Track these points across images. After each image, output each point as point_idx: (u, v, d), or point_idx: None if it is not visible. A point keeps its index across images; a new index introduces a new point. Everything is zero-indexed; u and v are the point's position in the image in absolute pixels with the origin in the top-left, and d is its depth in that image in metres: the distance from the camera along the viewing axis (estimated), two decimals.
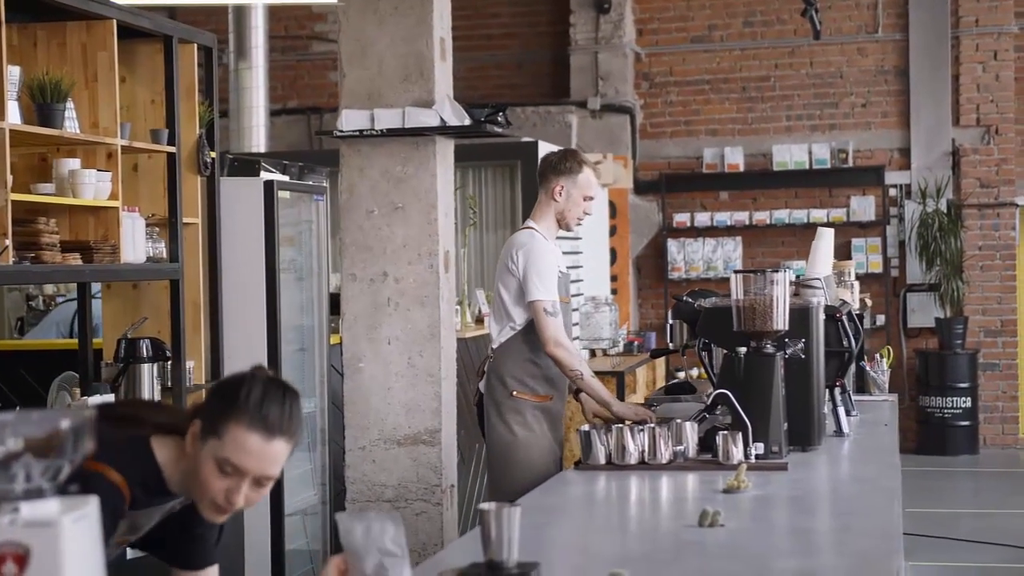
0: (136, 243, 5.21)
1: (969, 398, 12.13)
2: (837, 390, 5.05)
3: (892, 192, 12.61)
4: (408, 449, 5.59)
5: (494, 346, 5.23)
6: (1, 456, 1.73)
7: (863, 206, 12.52)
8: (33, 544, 1.70)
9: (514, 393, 5.14)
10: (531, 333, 5.11)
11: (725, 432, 4.20)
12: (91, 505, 1.78)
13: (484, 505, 2.73)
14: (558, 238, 5.36)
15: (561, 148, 5.57)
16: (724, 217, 12.73)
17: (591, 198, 5.26)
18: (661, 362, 11.13)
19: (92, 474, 2.50)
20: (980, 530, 8.95)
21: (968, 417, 12.15)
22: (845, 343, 4.98)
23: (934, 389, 12.16)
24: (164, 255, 5.49)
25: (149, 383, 5.33)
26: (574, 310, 9.75)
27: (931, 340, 12.48)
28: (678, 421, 4.33)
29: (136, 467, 2.62)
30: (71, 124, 4.87)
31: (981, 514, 9.79)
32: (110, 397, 5.10)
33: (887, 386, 6.41)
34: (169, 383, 5.51)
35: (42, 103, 4.74)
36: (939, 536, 8.73)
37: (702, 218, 12.77)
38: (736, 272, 4.42)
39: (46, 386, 5.76)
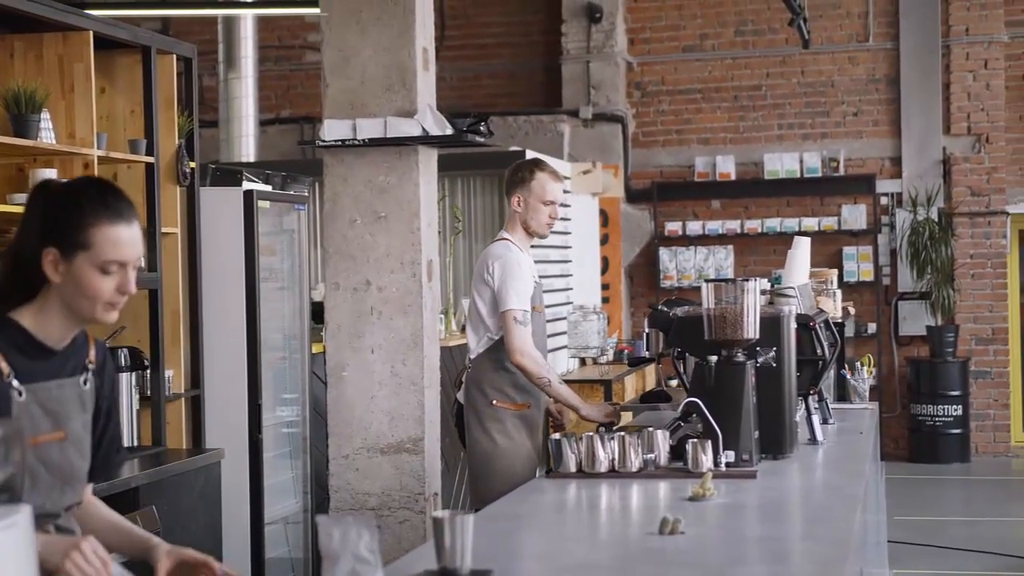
0: None
1: (960, 406, 12.14)
2: (812, 398, 5.06)
3: (883, 200, 12.63)
4: (391, 457, 5.60)
5: (472, 356, 5.32)
6: None
7: (854, 215, 12.53)
8: None
9: (494, 403, 5.23)
10: None
11: (695, 440, 4.22)
12: (22, 514, 1.80)
13: (437, 513, 2.76)
14: (533, 246, 5.41)
15: (519, 160, 5.67)
16: (716, 226, 12.75)
17: (551, 203, 5.35)
18: (651, 370, 11.15)
19: None
20: (970, 538, 8.95)
21: (959, 425, 12.15)
22: (819, 351, 4.99)
23: (925, 397, 12.16)
24: (143, 264, 5.52)
25: (127, 392, 5.34)
26: (561, 319, 9.78)
27: (922, 348, 12.49)
28: (650, 429, 4.35)
29: (2, 335, 2.67)
30: (47, 135, 4.90)
31: (971, 522, 9.79)
32: None
33: (867, 394, 6.42)
34: (148, 392, 5.53)
35: (17, 114, 4.77)
36: (927, 544, 8.73)
37: (694, 227, 12.79)
38: (707, 281, 4.44)
39: None
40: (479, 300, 5.27)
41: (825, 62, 12.77)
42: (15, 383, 2.65)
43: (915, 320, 12.48)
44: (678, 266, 12.83)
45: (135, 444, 5.32)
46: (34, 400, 2.68)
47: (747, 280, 4.41)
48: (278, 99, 13.46)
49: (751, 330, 4.37)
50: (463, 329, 8.09)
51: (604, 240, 12.29)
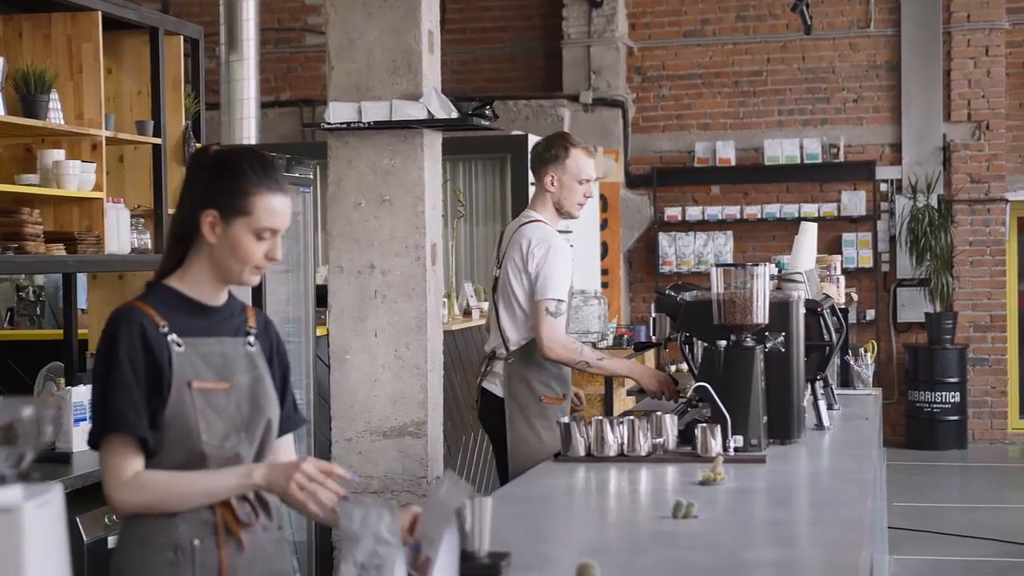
0: (120, 234, 5.23)
1: (958, 393, 12.17)
2: (818, 384, 5.07)
3: (883, 187, 12.64)
4: (394, 441, 5.61)
5: (511, 347, 5.06)
6: None
7: (854, 201, 12.54)
8: None
9: (542, 399, 5.03)
10: None
11: (704, 425, 4.22)
12: (54, 492, 1.80)
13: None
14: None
15: (548, 136, 5.36)
16: (715, 211, 12.76)
17: (586, 181, 5.11)
18: (651, 355, 11.16)
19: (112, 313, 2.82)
20: (967, 524, 8.98)
21: (957, 412, 12.18)
22: (826, 337, 4.99)
23: (923, 384, 12.19)
24: (150, 246, 5.51)
25: None
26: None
27: (921, 335, 12.51)
28: (658, 414, 4.35)
29: (153, 296, 2.83)
30: (55, 115, 4.88)
31: (968, 508, 9.82)
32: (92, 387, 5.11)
33: (871, 380, 6.43)
34: None
35: (26, 94, 4.76)
36: (925, 530, 8.75)
37: (693, 212, 12.79)
38: (717, 266, 4.43)
39: (33, 376, 5.77)
40: (518, 288, 5.02)
41: (826, 48, 12.76)
42: (173, 336, 2.78)
43: (914, 307, 12.50)
44: (677, 251, 12.83)
45: None
46: (195, 352, 2.81)
47: (756, 265, 4.41)
48: (277, 82, 13.44)
49: (760, 315, 4.38)
50: (466, 313, 8.09)
51: (604, 225, 12.29)
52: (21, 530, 1.72)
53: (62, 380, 5.41)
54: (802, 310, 4.67)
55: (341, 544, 2.60)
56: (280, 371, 2.98)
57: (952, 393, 12.14)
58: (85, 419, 4.80)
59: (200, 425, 2.77)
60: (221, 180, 2.81)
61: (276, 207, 2.80)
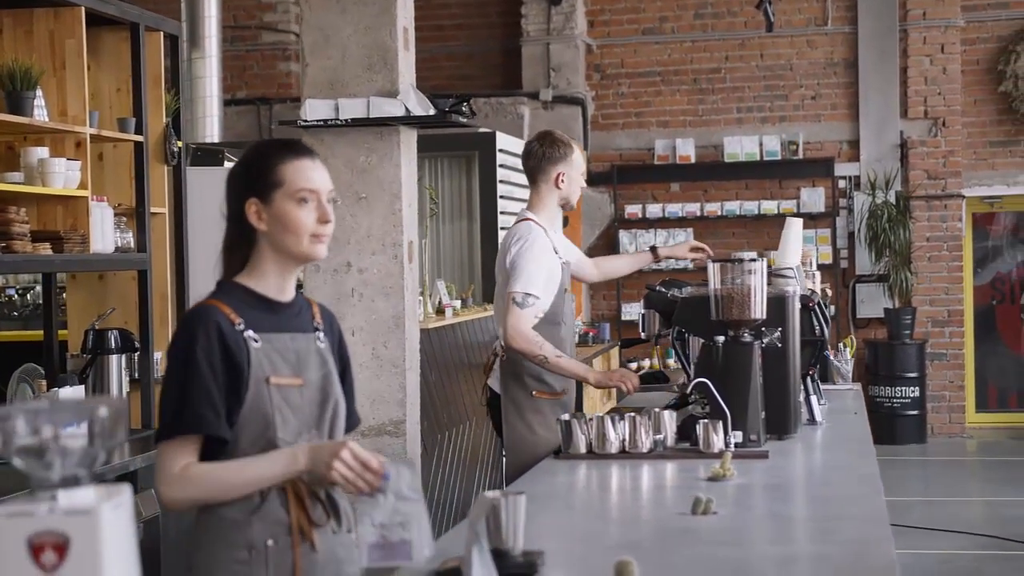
0: (105, 233, 5.15)
1: (917, 387, 12.26)
2: (809, 379, 5.08)
3: (842, 184, 12.72)
4: (373, 440, 5.58)
5: (503, 344, 5.06)
6: (37, 444, 1.71)
7: (813, 198, 12.62)
8: (72, 533, 1.68)
9: (534, 393, 5.04)
10: (542, 328, 4.99)
11: (706, 421, 4.21)
12: (126, 494, 1.76)
13: (490, 493, 2.73)
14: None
15: (539, 136, 5.30)
16: (675, 208, 12.79)
17: (583, 174, 5.23)
18: (615, 353, 11.18)
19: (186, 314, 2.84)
20: (928, 518, 9.05)
21: (916, 406, 12.28)
22: (818, 331, 5.01)
23: (883, 379, 12.28)
24: (132, 245, 5.43)
25: (117, 374, 5.27)
26: None
27: (880, 330, 12.60)
28: (656, 410, 4.35)
29: (225, 293, 2.81)
30: (40, 112, 4.80)
31: (931, 502, 9.90)
32: (80, 388, 5.04)
33: (851, 375, 6.46)
34: (137, 374, 5.45)
35: (11, 91, 4.67)
36: (895, 523, 8.80)
37: (653, 209, 12.82)
38: (714, 261, 4.43)
39: (7, 378, 5.67)
40: (503, 286, 5.05)
41: (784, 45, 12.82)
42: (249, 332, 2.76)
43: (872, 303, 12.59)
44: (638, 249, 12.83)
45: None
46: (271, 348, 2.79)
47: (754, 260, 4.41)
48: (234, 79, 13.31)
49: (758, 310, 4.38)
50: (439, 311, 8.06)
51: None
52: (99, 531, 1.69)
53: (43, 382, 5.32)
54: (797, 305, 4.69)
55: (357, 505, 2.60)
56: (341, 368, 2.95)
57: (911, 388, 12.24)
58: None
59: (276, 421, 2.75)
60: (250, 170, 2.83)
61: (306, 169, 2.80)
